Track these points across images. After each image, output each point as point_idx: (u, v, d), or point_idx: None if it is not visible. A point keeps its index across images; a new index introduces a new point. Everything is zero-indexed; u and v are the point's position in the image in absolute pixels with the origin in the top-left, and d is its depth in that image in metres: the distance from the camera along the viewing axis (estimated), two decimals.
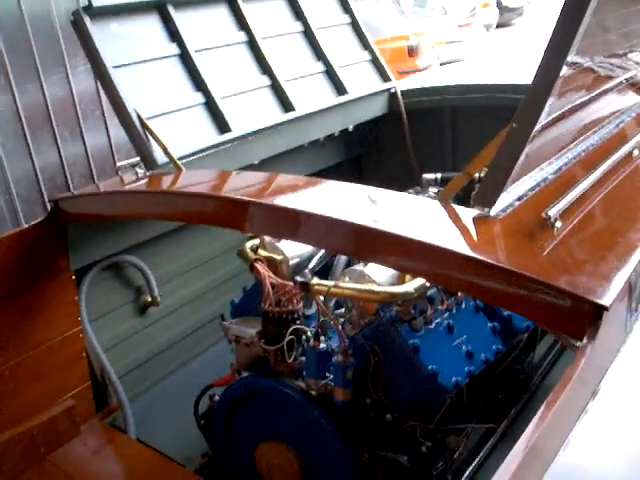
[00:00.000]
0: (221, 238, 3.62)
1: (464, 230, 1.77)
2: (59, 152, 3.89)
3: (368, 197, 2.15)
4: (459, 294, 2.42)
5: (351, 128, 3.90)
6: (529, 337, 2.75)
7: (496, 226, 1.74)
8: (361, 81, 3.85)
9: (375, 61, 3.99)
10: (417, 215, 1.95)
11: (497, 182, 1.73)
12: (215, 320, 3.63)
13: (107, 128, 3.29)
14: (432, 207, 2.01)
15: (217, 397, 2.67)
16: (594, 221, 1.90)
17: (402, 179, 2.99)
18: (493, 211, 1.77)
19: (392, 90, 4.00)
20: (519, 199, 1.86)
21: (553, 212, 1.70)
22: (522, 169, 1.78)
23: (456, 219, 1.83)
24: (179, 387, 3.23)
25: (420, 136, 4.03)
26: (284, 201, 2.24)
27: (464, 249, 1.66)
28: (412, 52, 11.05)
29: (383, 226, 1.79)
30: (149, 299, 3.27)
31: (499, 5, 18.41)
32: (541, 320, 1.62)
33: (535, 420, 1.20)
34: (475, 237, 1.74)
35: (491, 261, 1.58)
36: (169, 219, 2.84)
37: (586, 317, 1.44)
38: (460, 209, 1.91)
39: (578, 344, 1.66)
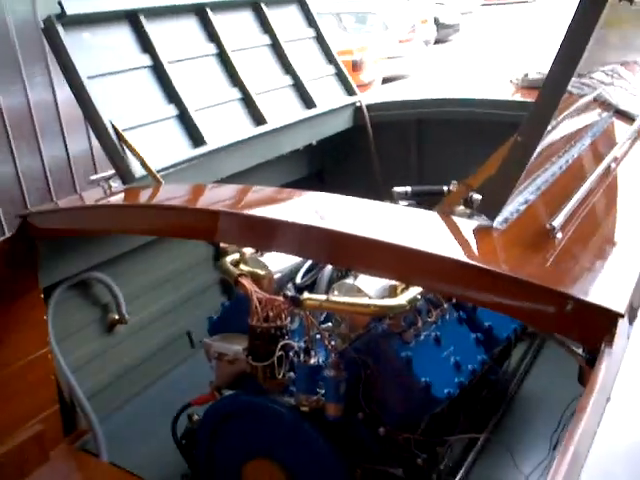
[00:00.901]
0: (188, 253, 3.56)
1: (469, 241, 1.78)
2: (15, 166, 3.75)
3: (361, 208, 2.14)
4: (445, 306, 2.44)
5: (314, 142, 3.90)
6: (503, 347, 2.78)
7: (500, 237, 1.76)
8: (327, 95, 3.85)
9: (340, 75, 4.00)
10: (417, 226, 1.95)
11: (501, 194, 1.75)
12: (183, 337, 3.57)
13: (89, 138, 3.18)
14: (431, 219, 2.02)
15: (196, 416, 2.61)
16: (592, 230, 1.94)
17: (365, 193, 3.02)
18: (496, 223, 1.78)
19: (357, 104, 4.02)
20: (517, 211, 1.88)
21: (557, 222, 1.73)
22: (520, 181, 1.81)
23: (459, 230, 1.84)
24: (150, 406, 3.14)
25: (385, 149, 4.06)
26: (276, 212, 2.22)
27: (474, 260, 1.67)
28: (356, 67, 11.20)
29: (386, 237, 1.78)
30: (116, 317, 3.18)
31: (437, 22, 18.85)
32: (550, 328, 1.63)
33: (573, 429, 1.20)
34: (481, 248, 1.75)
35: (503, 272, 1.59)
36: (147, 233, 2.77)
37: (601, 324, 1.46)
38: (460, 221, 1.92)
39: (580, 351, 1.71)
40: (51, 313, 2.77)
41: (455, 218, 1.94)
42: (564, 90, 1.64)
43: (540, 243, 1.76)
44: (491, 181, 1.80)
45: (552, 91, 1.65)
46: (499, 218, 1.78)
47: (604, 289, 1.57)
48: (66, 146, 3.86)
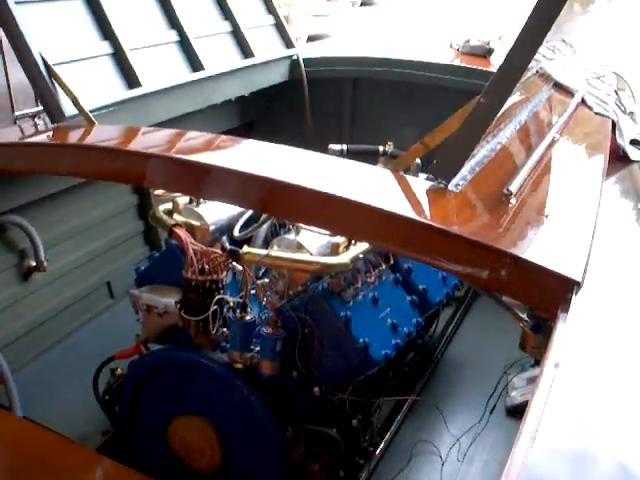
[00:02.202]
0: (111, 201, 3.40)
1: (422, 201, 1.75)
2: None
3: (311, 161, 2.07)
4: (383, 267, 2.42)
5: (247, 93, 3.78)
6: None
7: (455, 199, 1.73)
8: (265, 45, 3.73)
9: (279, 26, 3.88)
10: (368, 182, 1.90)
11: (459, 156, 1.72)
12: (103, 287, 3.42)
13: (6, 71, 2.92)
14: (384, 176, 1.97)
15: (120, 370, 2.51)
16: (542, 197, 1.95)
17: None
18: (450, 185, 1.76)
19: (294, 57, 3.92)
20: (469, 174, 1.86)
21: (514, 187, 1.72)
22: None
23: (412, 190, 1.81)
24: (69, 359, 3.00)
25: (318, 105, 3.99)
26: (213, 158, 2.12)
27: (428, 219, 1.64)
28: None
29: (338, 190, 1.72)
30: (34, 264, 3.00)
31: None
32: (501, 292, 1.63)
33: (534, 397, 1.19)
34: (435, 208, 1.72)
35: (457, 232, 1.57)
36: (76, 176, 2.61)
37: (557, 291, 1.46)
38: (414, 180, 1.88)
39: (523, 317, 1.72)
40: None
41: (408, 177, 1.90)
42: (534, 53, 1.62)
43: (494, 207, 1.75)
44: (449, 142, 1.77)
45: (521, 53, 1.63)
46: (454, 181, 1.76)
47: (560, 256, 1.57)
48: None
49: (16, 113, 2.49)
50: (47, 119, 2.53)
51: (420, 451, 2.43)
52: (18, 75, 2.55)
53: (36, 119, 2.46)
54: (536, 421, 1.13)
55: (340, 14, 14.75)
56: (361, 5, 18.45)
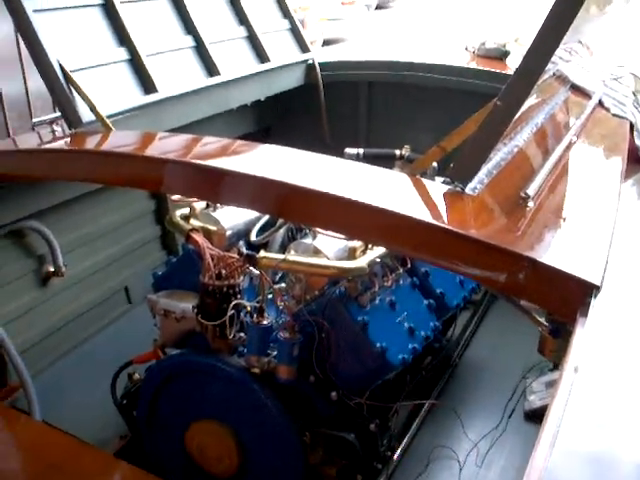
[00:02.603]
0: (129, 206, 3.43)
1: (439, 205, 1.74)
2: None
3: (328, 165, 2.07)
4: (400, 271, 2.41)
5: (263, 98, 3.79)
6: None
7: (472, 203, 1.72)
8: (281, 50, 3.74)
9: (294, 30, 3.89)
10: (385, 187, 1.89)
11: (476, 159, 1.71)
12: (121, 292, 3.44)
13: (25, 78, 2.95)
14: (401, 180, 1.96)
15: (138, 375, 2.52)
16: (560, 200, 1.94)
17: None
18: (467, 189, 1.75)
19: (310, 61, 3.92)
20: (487, 178, 1.85)
21: (531, 191, 1.71)
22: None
23: (429, 194, 1.80)
24: (86, 364, 3.02)
25: (334, 109, 3.99)
26: (229, 163, 2.13)
27: (447, 223, 1.63)
28: None
29: (356, 195, 1.72)
30: (52, 269, 3.02)
31: None
32: (521, 296, 1.62)
33: (553, 401, 1.18)
34: (453, 212, 1.71)
35: (476, 236, 1.56)
36: (94, 182, 2.62)
37: (577, 295, 1.45)
38: (431, 184, 1.88)
39: (541, 320, 1.71)
40: None
41: (425, 181, 1.90)
42: (551, 55, 1.61)
43: (511, 210, 1.74)
44: (466, 146, 1.76)
45: (538, 56, 1.62)
46: (471, 184, 1.75)
47: (579, 260, 1.56)
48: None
49: (34, 120, 2.51)
50: (65, 125, 2.55)
51: (438, 456, 2.41)
52: (36, 82, 2.56)
53: (54, 125, 2.48)
54: (556, 426, 1.12)
55: (355, 18, 14.75)
56: (376, 8, 18.45)
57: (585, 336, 1.36)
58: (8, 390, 2.76)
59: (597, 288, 1.45)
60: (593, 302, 1.43)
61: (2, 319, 2.73)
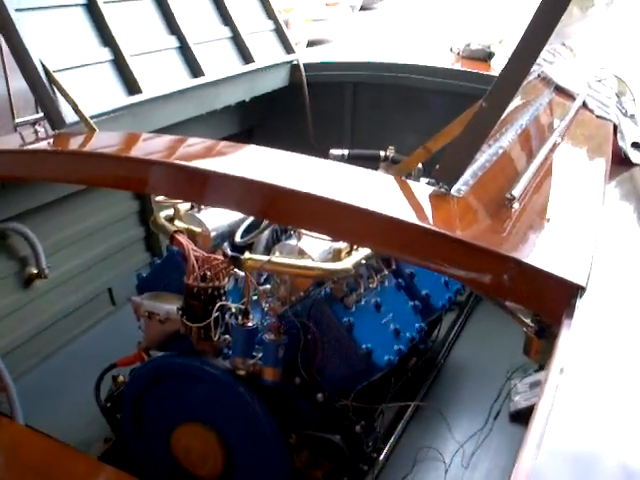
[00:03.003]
0: (112, 207, 3.40)
1: (425, 206, 1.74)
2: None
3: (313, 166, 2.06)
4: (385, 272, 2.41)
5: (248, 99, 3.78)
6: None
7: (457, 204, 1.72)
8: (265, 50, 3.73)
9: (279, 31, 3.88)
10: (370, 188, 1.89)
11: (461, 161, 1.71)
12: (104, 293, 3.42)
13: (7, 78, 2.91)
14: (386, 181, 1.96)
15: (122, 378, 2.50)
16: (545, 202, 1.94)
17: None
18: (453, 190, 1.75)
19: (294, 62, 3.92)
20: (472, 179, 1.85)
21: (516, 192, 1.72)
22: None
23: (414, 195, 1.80)
24: (70, 366, 2.99)
25: (319, 110, 3.99)
26: (214, 164, 2.11)
27: (432, 225, 1.63)
28: None
29: (340, 196, 1.71)
30: (35, 271, 2.99)
31: None
32: (506, 297, 1.62)
33: (539, 402, 1.18)
34: (438, 213, 1.71)
35: (461, 238, 1.56)
36: (77, 182, 2.60)
37: (562, 296, 1.45)
38: (416, 185, 1.88)
39: (527, 321, 1.71)
40: None
41: (410, 182, 1.90)
42: (536, 57, 1.62)
43: (496, 212, 1.74)
44: (451, 147, 1.76)
45: (523, 58, 1.62)
46: (456, 186, 1.75)
47: (564, 261, 1.56)
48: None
49: (16, 120, 2.48)
50: (47, 126, 2.52)
51: (424, 457, 2.42)
52: (18, 82, 2.54)
53: (36, 126, 2.46)
54: (542, 427, 1.12)
55: (340, 19, 14.74)
56: (361, 9, 18.45)
57: (571, 337, 1.37)
58: None
59: (582, 289, 1.45)
60: (578, 303, 1.43)
61: None
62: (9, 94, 3.25)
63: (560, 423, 1.16)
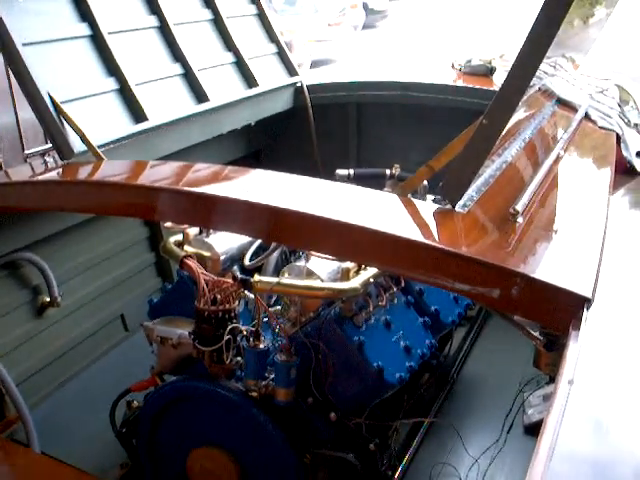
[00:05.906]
0: (123, 234, 3.44)
1: (430, 224, 1.76)
2: None
3: (319, 188, 2.09)
4: (394, 290, 2.42)
5: (253, 122, 3.83)
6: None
7: (462, 221, 1.74)
8: (269, 74, 3.78)
9: (281, 54, 3.93)
10: (375, 208, 1.91)
11: (464, 177, 1.73)
12: (117, 320, 3.44)
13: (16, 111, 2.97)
14: (390, 200, 1.98)
15: (136, 403, 2.52)
16: (549, 215, 1.96)
17: (303, 175, 3.00)
18: (457, 206, 1.77)
19: (298, 84, 3.96)
20: (476, 195, 1.87)
21: (520, 206, 1.73)
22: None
23: (419, 213, 1.82)
24: (84, 393, 3.01)
25: (323, 131, 4.03)
26: (221, 189, 2.15)
27: (438, 242, 1.65)
28: None
29: (347, 217, 1.74)
30: (47, 299, 3.03)
31: (365, 7, 18.87)
32: (514, 312, 1.63)
33: (549, 413, 1.19)
34: (443, 231, 1.73)
35: (467, 254, 1.58)
36: (87, 212, 2.64)
37: (569, 308, 1.46)
38: (421, 204, 1.90)
39: (535, 334, 1.72)
40: None
41: (415, 201, 1.92)
42: (534, 73, 1.64)
43: (501, 227, 1.76)
44: (454, 164, 1.78)
45: (521, 74, 1.64)
46: (460, 202, 1.77)
47: (570, 273, 1.58)
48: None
49: (26, 151, 2.53)
50: (57, 156, 2.57)
51: (439, 473, 2.41)
52: (27, 114, 2.59)
53: (46, 157, 2.50)
54: (552, 439, 1.13)
55: (342, 39, 14.88)
56: (363, 28, 18.61)
57: (579, 349, 1.37)
58: (6, 422, 2.75)
59: (589, 301, 1.46)
60: (585, 315, 1.44)
61: None
62: (18, 126, 3.31)
63: (570, 434, 1.17)
